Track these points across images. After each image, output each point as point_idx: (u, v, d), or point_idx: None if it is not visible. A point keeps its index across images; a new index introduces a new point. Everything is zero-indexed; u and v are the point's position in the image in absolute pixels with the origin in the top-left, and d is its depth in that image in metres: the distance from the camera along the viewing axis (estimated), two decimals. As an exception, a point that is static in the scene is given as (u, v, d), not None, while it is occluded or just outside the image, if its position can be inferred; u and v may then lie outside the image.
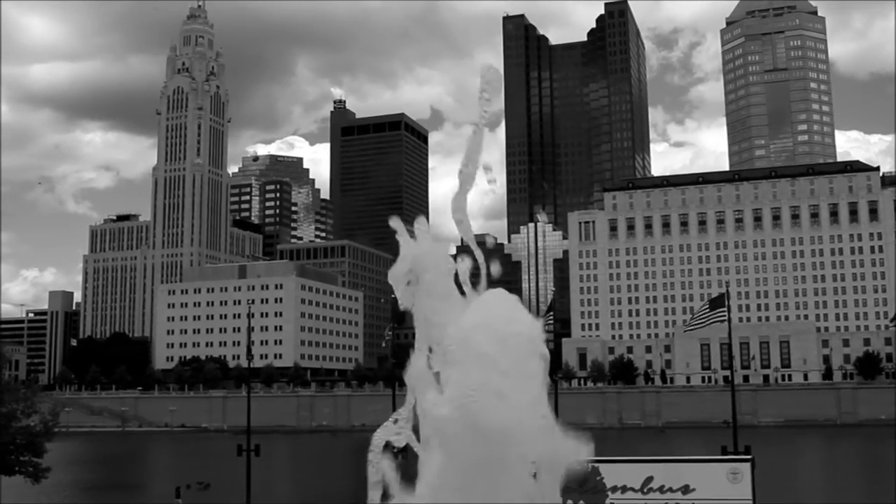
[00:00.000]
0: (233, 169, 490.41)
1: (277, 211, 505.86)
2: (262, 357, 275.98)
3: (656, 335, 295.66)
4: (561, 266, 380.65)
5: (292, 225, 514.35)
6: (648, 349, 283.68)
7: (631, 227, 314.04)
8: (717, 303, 59.05)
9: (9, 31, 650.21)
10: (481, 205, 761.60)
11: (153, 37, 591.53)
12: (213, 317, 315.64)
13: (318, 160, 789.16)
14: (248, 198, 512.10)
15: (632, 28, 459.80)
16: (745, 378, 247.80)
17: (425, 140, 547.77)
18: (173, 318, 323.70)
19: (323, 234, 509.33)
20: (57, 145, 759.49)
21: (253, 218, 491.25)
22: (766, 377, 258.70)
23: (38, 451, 52.06)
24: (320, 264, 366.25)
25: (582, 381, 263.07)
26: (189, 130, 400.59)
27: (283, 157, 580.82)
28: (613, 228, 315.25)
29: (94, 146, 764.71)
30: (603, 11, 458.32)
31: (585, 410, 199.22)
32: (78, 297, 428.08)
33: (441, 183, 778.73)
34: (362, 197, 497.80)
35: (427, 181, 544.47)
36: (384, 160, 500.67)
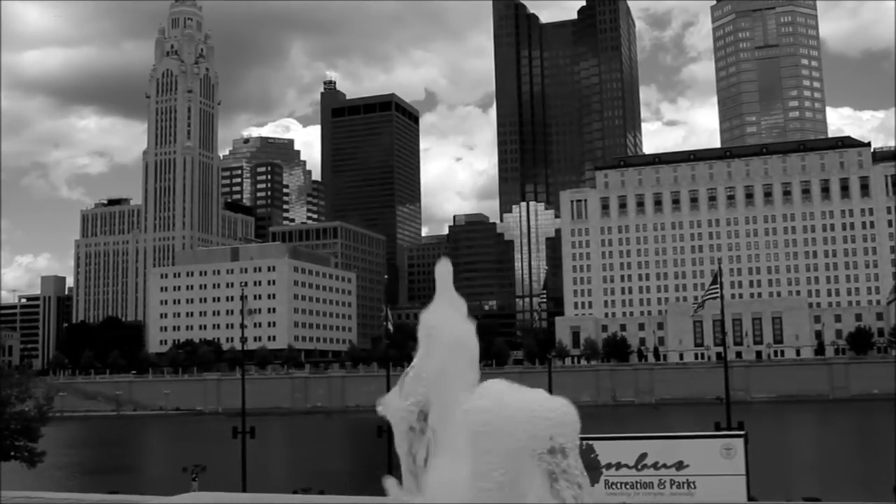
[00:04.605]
0: (223, 152, 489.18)
1: (269, 193, 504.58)
2: (255, 339, 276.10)
3: (649, 313, 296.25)
4: (553, 245, 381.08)
5: (284, 207, 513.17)
6: (641, 327, 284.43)
7: (623, 206, 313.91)
8: (715, 282, 59.36)
9: (3, 17, 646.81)
10: (474, 185, 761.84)
11: (146, 21, 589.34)
12: (206, 300, 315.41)
13: (310, 142, 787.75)
14: (239, 180, 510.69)
15: (622, 6, 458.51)
16: (738, 354, 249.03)
17: (416, 120, 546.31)
18: (166, 302, 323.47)
19: (315, 216, 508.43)
20: (50, 132, 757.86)
21: (244, 200, 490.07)
22: (758, 353, 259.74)
23: (33, 436, 52.14)
24: (312, 246, 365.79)
25: (575, 360, 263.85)
26: (179, 113, 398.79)
27: (273, 139, 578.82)
28: (605, 207, 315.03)
29: (89, 132, 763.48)
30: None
31: (579, 388, 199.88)
32: (70, 281, 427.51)
33: (434, 164, 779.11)
34: (353, 178, 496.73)
35: (418, 162, 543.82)
36: (375, 141, 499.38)
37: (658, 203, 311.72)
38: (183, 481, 57.02)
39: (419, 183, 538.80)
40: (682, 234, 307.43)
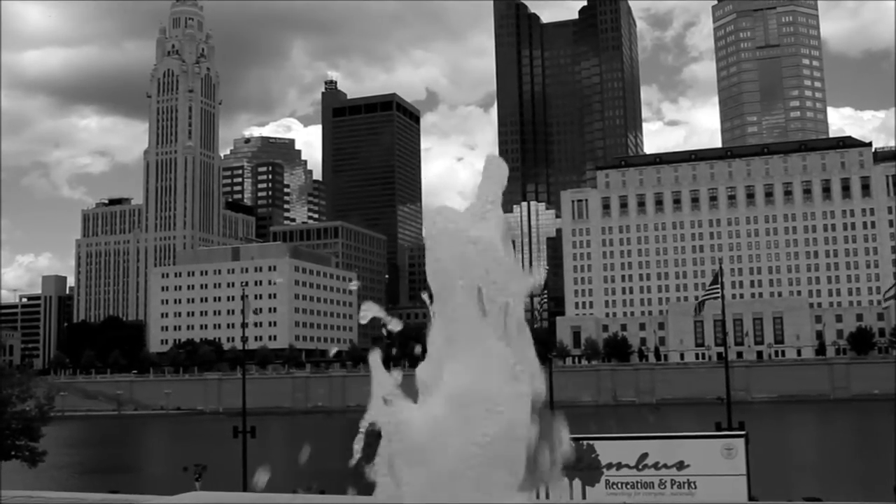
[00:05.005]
0: (224, 151, 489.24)
1: (270, 193, 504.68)
2: (256, 339, 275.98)
3: (650, 312, 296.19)
4: (554, 245, 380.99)
5: (285, 206, 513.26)
6: (642, 326, 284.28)
7: (624, 206, 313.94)
8: (716, 281, 59.45)
9: (3, 17, 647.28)
10: (475, 185, 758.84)
11: (147, 21, 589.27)
12: (206, 299, 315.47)
13: (311, 142, 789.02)
14: (240, 180, 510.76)
15: (623, 6, 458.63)
16: (739, 354, 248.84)
17: (417, 120, 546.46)
18: (167, 302, 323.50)
19: (316, 216, 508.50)
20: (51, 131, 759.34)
21: (245, 200, 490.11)
22: (759, 353, 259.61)
23: (34, 436, 52.23)
24: (313, 245, 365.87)
25: (576, 360, 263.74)
26: (180, 113, 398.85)
27: (274, 138, 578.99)
28: (606, 206, 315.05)
29: (90, 131, 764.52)
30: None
31: (580, 388, 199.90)
32: (71, 281, 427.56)
33: (435, 164, 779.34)
34: (354, 177, 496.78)
35: (419, 161, 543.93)
36: (376, 141, 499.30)
37: (659, 203, 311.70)
38: (183, 481, 57.01)
39: (420, 183, 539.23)
40: (683, 234, 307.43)
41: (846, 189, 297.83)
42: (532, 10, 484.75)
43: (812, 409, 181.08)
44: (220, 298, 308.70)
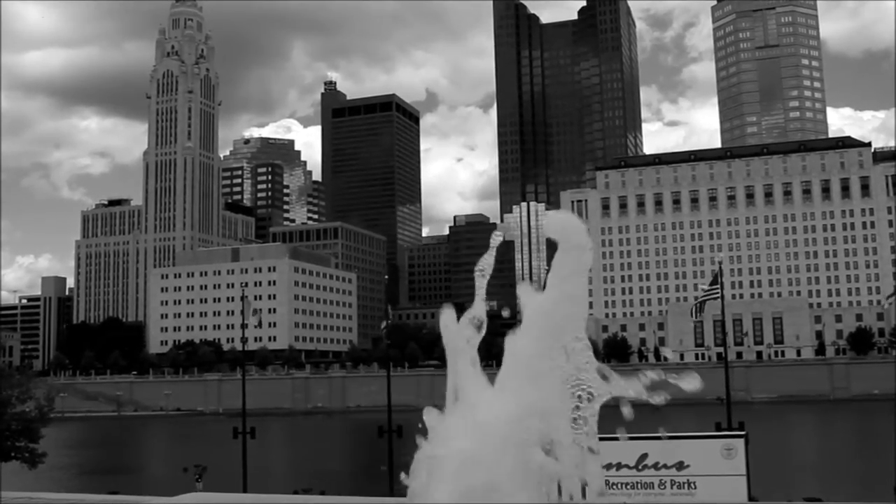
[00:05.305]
0: (224, 152, 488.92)
1: (269, 193, 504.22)
2: (256, 340, 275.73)
3: (650, 313, 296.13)
4: (554, 245, 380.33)
5: (285, 207, 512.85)
6: (642, 327, 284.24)
7: (623, 206, 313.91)
8: (715, 282, 59.47)
9: (3, 17, 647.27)
10: (475, 185, 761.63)
11: (147, 22, 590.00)
12: (206, 300, 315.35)
13: (311, 143, 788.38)
14: (239, 181, 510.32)
15: (623, 6, 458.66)
16: (739, 355, 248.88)
17: (417, 121, 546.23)
18: (167, 303, 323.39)
19: (315, 217, 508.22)
20: (52, 132, 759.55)
21: (245, 201, 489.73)
22: (759, 353, 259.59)
23: (34, 437, 52.25)
24: (313, 246, 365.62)
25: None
26: (179, 114, 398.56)
27: (274, 139, 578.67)
28: (606, 207, 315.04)
29: (90, 132, 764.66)
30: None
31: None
32: (71, 282, 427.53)
33: (435, 164, 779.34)
34: (354, 178, 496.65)
35: (419, 162, 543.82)
36: (375, 141, 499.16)
37: (658, 203, 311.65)
38: (183, 481, 56.97)
39: (420, 183, 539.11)
40: (683, 234, 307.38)
41: (846, 189, 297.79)
42: (531, 11, 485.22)
43: (812, 409, 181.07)
44: (219, 299, 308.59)
